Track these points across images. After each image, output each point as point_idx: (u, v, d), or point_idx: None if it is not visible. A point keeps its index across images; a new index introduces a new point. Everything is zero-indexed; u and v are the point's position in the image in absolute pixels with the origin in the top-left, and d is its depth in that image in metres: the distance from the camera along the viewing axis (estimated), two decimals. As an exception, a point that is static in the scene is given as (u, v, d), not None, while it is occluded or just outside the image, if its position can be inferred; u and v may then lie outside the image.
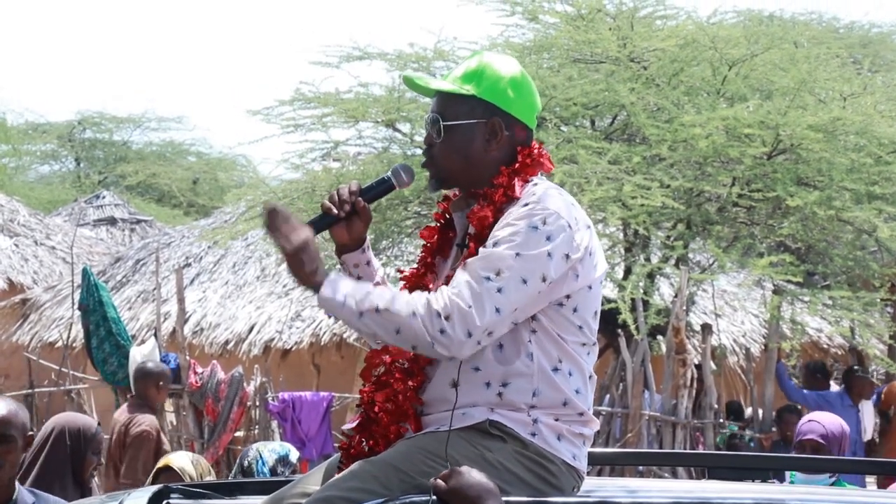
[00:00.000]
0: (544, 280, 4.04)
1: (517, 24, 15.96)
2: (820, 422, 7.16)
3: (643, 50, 14.64)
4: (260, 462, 7.28)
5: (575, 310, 4.14)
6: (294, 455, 7.30)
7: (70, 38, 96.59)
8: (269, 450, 7.33)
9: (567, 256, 4.07)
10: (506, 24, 15.90)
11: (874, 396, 14.82)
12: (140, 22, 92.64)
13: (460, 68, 4.29)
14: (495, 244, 4.05)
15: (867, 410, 14.11)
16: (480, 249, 4.08)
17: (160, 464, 6.89)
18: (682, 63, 14.44)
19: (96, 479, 7.41)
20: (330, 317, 4.27)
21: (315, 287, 4.07)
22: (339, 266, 4.38)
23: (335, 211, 4.23)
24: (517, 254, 4.02)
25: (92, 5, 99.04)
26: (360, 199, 4.25)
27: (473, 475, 3.83)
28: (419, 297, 4.04)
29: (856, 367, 14.94)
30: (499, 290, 4.00)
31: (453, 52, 15.19)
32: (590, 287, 4.16)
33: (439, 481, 3.84)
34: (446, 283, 4.16)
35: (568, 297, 4.12)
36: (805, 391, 14.87)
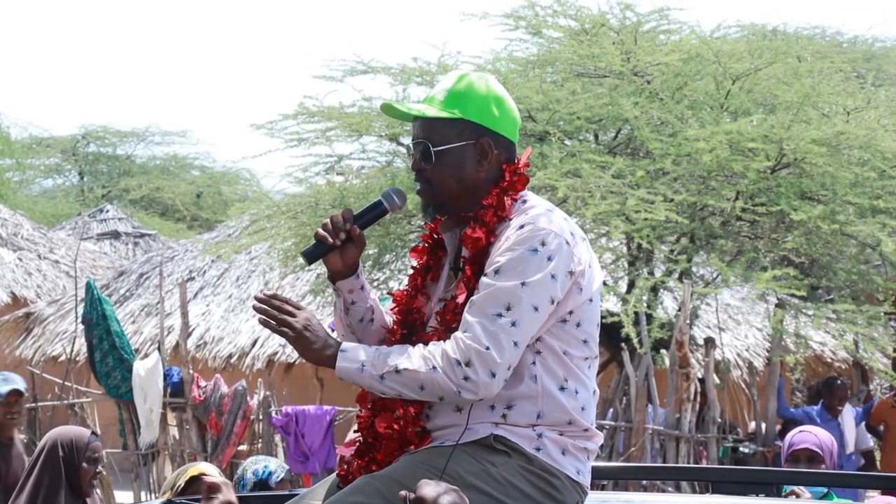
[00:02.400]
0: (552, 302, 4.06)
1: (521, 39, 16.00)
2: (812, 432, 7.21)
3: (647, 64, 14.66)
4: (241, 484, 7.31)
5: (578, 324, 4.14)
6: (276, 478, 7.29)
7: (74, 52, 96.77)
8: (252, 472, 7.34)
9: (570, 273, 4.08)
10: (509, 38, 15.95)
11: (860, 410, 14.78)
12: (144, 36, 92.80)
13: (440, 90, 4.26)
14: (496, 272, 4.04)
15: (847, 421, 14.05)
16: (483, 280, 4.06)
17: (193, 472, 6.87)
18: (685, 77, 14.46)
19: (98, 490, 7.39)
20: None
21: (329, 362, 4.07)
22: (334, 292, 4.37)
23: (330, 240, 4.22)
24: (523, 283, 4.01)
25: (96, 20, 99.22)
26: (354, 226, 4.24)
27: (434, 488, 3.77)
28: (435, 348, 4.04)
29: (830, 379, 14.84)
30: (513, 324, 4.00)
31: (457, 67, 15.21)
32: (590, 300, 4.16)
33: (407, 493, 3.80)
34: (448, 307, 4.15)
35: (571, 312, 4.12)
36: (792, 409, 14.88)
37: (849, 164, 13.73)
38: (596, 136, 15.11)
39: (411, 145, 4.28)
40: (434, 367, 3.99)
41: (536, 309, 4.02)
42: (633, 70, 14.59)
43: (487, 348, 3.98)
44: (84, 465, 6.92)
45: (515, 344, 4.00)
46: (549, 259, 4.04)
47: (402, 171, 14.48)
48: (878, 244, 13.45)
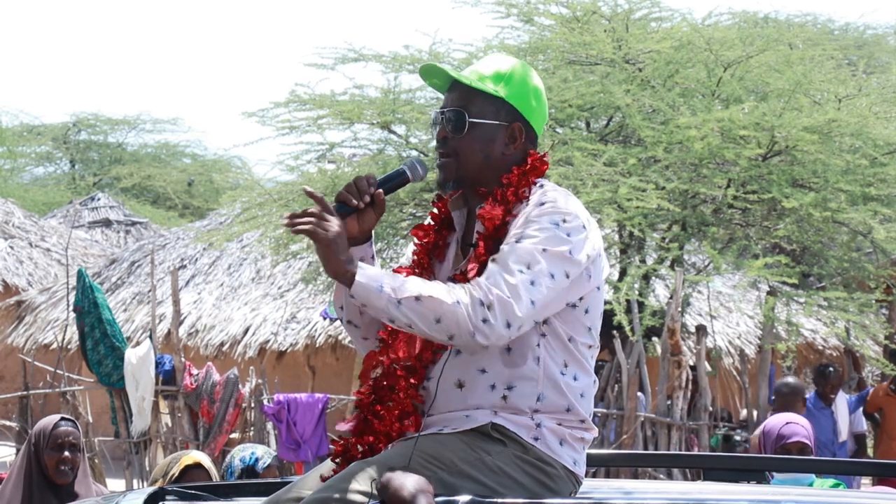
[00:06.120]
0: (567, 277, 4.05)
1: (512, 26, 15.98)
2: (799, 423, 7.16)
3: (638, 52, 14.65)
4: (229, 471, 7.28)
5: (586, 311, 4.15)
6: (262, 464, 7.28)
7: (65, 39, 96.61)
8: (240, 458, 7.32)
9: (587, 256, 4.09)
10: (501, 25, 15.92)
11: (856, 398, 14.80)
12: (135, 24, 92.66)
13: (487, 67, 4.25)
14: (518, 240, 4.04)
15: (841, 409, 14.07)
16: (504, 246, 4.05)
17: (187, 461, 6.86)
18: (677, 65, 14.46)
19: (97, 483, 7.32)
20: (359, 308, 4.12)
21: (349, 275, 3.99)
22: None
23: (354, 202, 4.15)
24: (543, 249, 4.02)
25: (87, 8, 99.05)
26: (380, 190, 4.19)
27: (400, 475, 3.75)
28: (458, 286, 4.01)
29: (823, 367, 14.86)
30: (532, 283, 3.99)
31: (448, 54, 15.20)
32: (598, 288, 4.17)
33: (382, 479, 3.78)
34: (457, 280, 4.11)
35: (581, 298, 4.12)
36: None
37: (840, 151, 13.75)
38: (587, 124, 15.11)
39: (440, 113, 4.23)
40: (457, 302, 3.95)
41: (553, 277, 4.01)
42: (625, 58, 14.58)
43: (509, 297, 3.95)
44: (48, 452, 6.85)
45: (532, 303, 3.99)
46: (569, 235, 4.05)
47: (394, 159, 14.47)
48: (869, 232, 13.47)
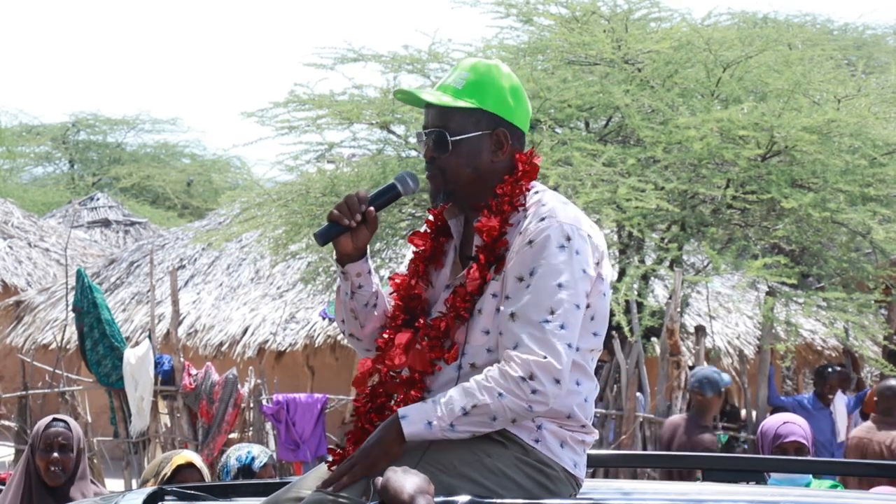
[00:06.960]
0: (586, 295, 4.05)
1: (511, 27, 15.99)
2: (795, 423, 7.17)
3: (637, 52, 14.65)
4: (224, 471, 7.26)
5: (593, 317, 4.12)
6: (259, 463, 7.25)
7: (64, 39, 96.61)
8: (236, 458, 7.29)
9: (596, 264, 4.08)
10: (500, 25, 15.93)
11: (854, 398, 14.79)
12: (134, 23, 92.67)
13: (458, 79, 4.21)
14: (531, 274, 4.01)
15: (839, 410, 14.06)
16: (516, 285, 4.02)
17: (179, 461, 6.84)
18: (676, 65, 14.45)
19: (96, 483, 7.30)
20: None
21: (400, 438, 3.99)
22: (340, 274, 4.31)
23: (346, 221, 4.16)
24: (559, 284, 3.99)
25: (86, 8, 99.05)
26: (371, 208, 4.19)
27: (400, 476, 3.75)
28: (492, 373, 3.98)
29: (822, 367, 14.85)
30: (562, 327, 3.98)
31: (448, 54, 15.20)
32: (604, 294, 4.15)
33: (378, 479, 3.79)
34: (458, 294, 4.11)
35: (588, 305, 4.10)
36: (783, 396, 14.87)
37: (839, 151, 13.74)
38: (587, 124, 15.11)
39: (423, 133, 4.22)
40: (500, 394, 3.95)
41: (578, 307, 4.01)
42: (624, 58, 14.58)
43: (545, 357, 3.95)
44: (39, 454, 6.79)
45: (569, 346, 3.99)
46: (578, 253, 4.02)
47: (393, 159, 14.47)
48: (868, 232, 13.47)
